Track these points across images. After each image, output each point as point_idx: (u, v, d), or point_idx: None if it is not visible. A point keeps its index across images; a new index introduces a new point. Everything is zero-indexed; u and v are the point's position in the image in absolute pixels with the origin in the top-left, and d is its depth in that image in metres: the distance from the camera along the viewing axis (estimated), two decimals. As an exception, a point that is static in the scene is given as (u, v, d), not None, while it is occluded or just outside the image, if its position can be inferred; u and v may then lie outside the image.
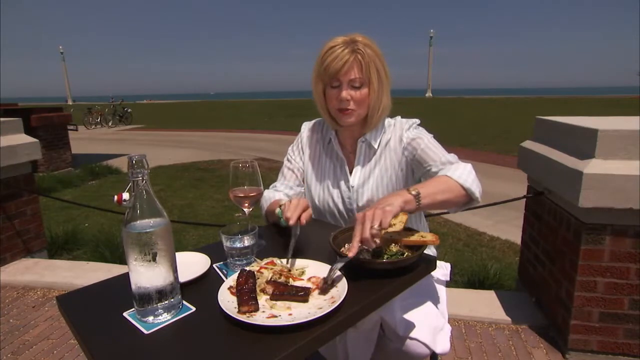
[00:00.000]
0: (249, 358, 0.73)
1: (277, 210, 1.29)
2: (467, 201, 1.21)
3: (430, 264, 1.07)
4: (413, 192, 1.07)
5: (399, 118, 1.48)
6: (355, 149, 1.45)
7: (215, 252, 1.13)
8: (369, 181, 1.41)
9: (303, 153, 1.54)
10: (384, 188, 1.39)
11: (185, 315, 0.86)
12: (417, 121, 1.45)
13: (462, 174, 1.18)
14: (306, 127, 1.57)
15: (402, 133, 1.41)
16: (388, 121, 1.47)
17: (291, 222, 1.13)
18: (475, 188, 1.17)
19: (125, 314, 0.87)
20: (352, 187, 1.41)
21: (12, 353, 2.09)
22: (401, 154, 1.40)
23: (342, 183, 1.43)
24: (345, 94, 1.28)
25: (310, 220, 1.22)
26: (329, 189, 1.45)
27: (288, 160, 1.56)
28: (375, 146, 1.41)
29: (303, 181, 1.54)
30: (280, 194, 1.48)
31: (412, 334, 1.21)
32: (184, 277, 0.97)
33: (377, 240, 0.96)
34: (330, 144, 1.47)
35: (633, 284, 1.81)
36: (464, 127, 14.21)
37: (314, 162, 1.51)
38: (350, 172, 1.44)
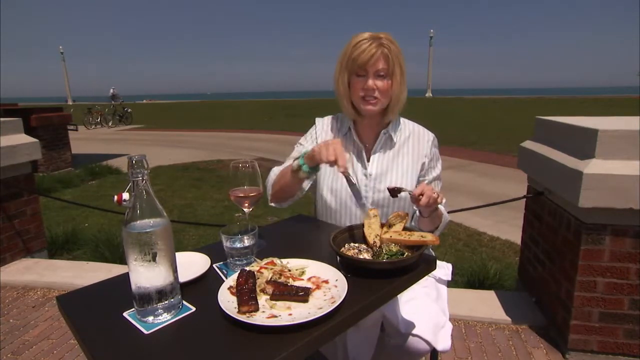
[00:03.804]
0: (249, 358, 0.73)
1: (296, 162, 1.29)
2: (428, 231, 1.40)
3: (430, 264, 1.07)
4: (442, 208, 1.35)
5: (416, 124, 1.55)
6: (371, 139, 1.51)
7: (215, 252, 1.13)
8: (389, 174, 1.46)
9: (319, 140, 1.53)
10: (404, 184, 1.44)
11: (185, 315, 0.86)
12: (435, 136, 1.53)
13: (445, 223, 1.43)
14: (321, 120, 1.59)
15: (425, 143, 1.49)
16: (403, 120, 1.54)
17: (343, 168, 1.15)
18: (438, 234, 1.39)
19: (125, 314, 0.87)
20: (370, 175, 1.46)
21: (12, 353, 2.10)
22: (421, 162, 1.48)
23: (360, 170, 1.47)
24: (371, 82, 1.36)
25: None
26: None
27: (299, 145, 1.58)
28: (395, 139, 1.48)
29: None
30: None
31: (414, 331, 1.22)
32: (184, 277, 0.97)
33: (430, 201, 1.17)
34: (348, 134, 1.52)
35: (633, 284, 1.81)
36: (464, 127, 14.20)
37: None
38: (367, 161, 1.49)
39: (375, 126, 1.50)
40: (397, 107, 1.44)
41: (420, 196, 1.17)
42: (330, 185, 1.47)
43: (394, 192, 1.23)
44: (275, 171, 1.50)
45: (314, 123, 1.58)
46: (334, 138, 1.53)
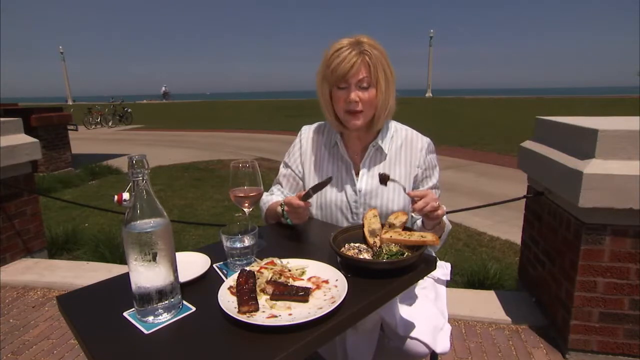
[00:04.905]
0: (249, 358, 0.73)
1: (279, 208, 1.32)
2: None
3: (430, 264, 1.07)
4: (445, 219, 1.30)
5: (410, 129, 1.47)
6: (360, 151, 1.44)
7: (215, 252, 1.13)
8: (380, 189, 1.38)
9: (303, 158, 1.49)
10: (397, 201, 1.38)
11: (185, 315, 0.87)
12: (430, 141, 1.45)
13: (447, 232, 1.38)
14: (307, 130, 1.53)
15: (419, 151, 1.41)
16: (395, 125, 1.46)
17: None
18: (441, 243, 1.31)
19: (125, 314, 0.87)
20: (360, 191, 1.40)
21: (12, 353, 2.10)
22: (414, 174, 1.41)
23: (348, 187, 1.41)
24: (354, 95, 1.28)
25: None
26: (334, 191, 1.42)
27: (284, 166, 1.53)
28: (386, 151, 1.41)
29: (300, 185, 1.51)
30: (277, 197, 1.48)
31: (413, 334, 1.21)
32: (184, 277, 0.97)
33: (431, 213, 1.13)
34: (336, 146, 1.45)
35: (633, 284, 1.81)
36: (464, 127, 14.20)
37: (317, 165, 1.47)
38: (356, 176, 1.42)
39: (363, 137, 1.42)
40: (383, 116, 1.36)
41: (418, 199, 1.11)
42: (321, 196, 1.43)
43: (384, 179, 1.18)
44: (265, 200, 1.47)
45: (310, 125, 1.54)
46: (319, 152, 1.48)
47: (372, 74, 1.27)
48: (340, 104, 1.32)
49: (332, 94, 1.34)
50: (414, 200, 1.13)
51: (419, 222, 1.33)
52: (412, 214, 1.42)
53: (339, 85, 1.29)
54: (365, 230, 1.16)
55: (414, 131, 1.47)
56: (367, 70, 1.27)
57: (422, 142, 1.43)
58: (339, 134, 1.45)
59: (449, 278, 1.51)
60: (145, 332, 0.81)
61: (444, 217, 1.32)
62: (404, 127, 1.47)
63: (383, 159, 1.42)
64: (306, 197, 1.20)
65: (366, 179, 1.40)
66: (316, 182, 1.44)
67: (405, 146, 1.42)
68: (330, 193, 1.42)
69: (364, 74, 1.26)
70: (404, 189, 1.19)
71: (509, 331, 2.19)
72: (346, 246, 1.10)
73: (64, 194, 5.78)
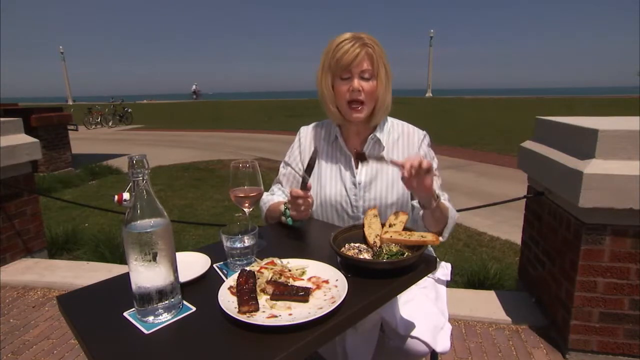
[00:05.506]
0: (249, 358, 0.73)
1: (282, 206, 1.33)
2: (437, 231, 1.29)
3: (430, 264, 1.07)
4: (438, 193, 1.23)
5: (406, 123, 1.51)
6: (359, 145, 1.47)
7: (215, 252, 1.13)
8: (377, 181, 1.41)
9: (303, 155, 1.52)
10: (396, 190, 1.40)
11: (186, 315, 0.87)
12: (426, 134, 1.49)
13: (453, 220, 1.30)
14: (306, 129, 1.56)
15: (416, 142, 1.44)
16: (391, 120, 1.50)
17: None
18: (448, 233, 1.30)
19: (125, 314, 0.87)
20: (359, 183, 1.42)
21: (12, 353, 2.10)
22: None
23: (348, 179, 1.44)
24: (357, 83, 1.32)
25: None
26: (334, 185, 1.45)
27: (284, 166, 1.55)
28: (383, 143, 1.44)
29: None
30: (278, 197, 1.50)
31: (413, 333, 1.21)
32: (184, 277, 0.97)
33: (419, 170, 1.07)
34: (335, 140, 1.48)
35: (633, 284, 1.81)
36: (464, 127, 14.20)
37: (318, 160, 1.49)
38: (356, 168, 1.45)
39: (362, 131, 1.46)
40: (382, 111, 1.40)
41: (402, 167, 1.08)
42: (322, 189, 1.45)
43: (360, 157, 1.21)
44: (265, 200, 1.49)
45: (308, 125, 1.56)
46: (320, 147, 1.49)
47: (374, 66, 1.33)
48: (342, 95, 1.35)
49: (335, 86, 1.37)
50: (402, 172, 1.09)
51: (420, 212, 1.31)
52: (414, 203, 1.42)
53: (342, 75, 1.34)
54: (366, 230, 1.16)
55: (410, 125, 1.51)
56: (370, 62, 1.32)
57: (418, 134, 1.48)
58: (338, 128, 1.48)
59: (449, 278, 1.51)
60: (145, 332, 0.81)
61: (447, 202, 1.30)
62: (401, 122, 1.51)
63: (381, 151, 1.45)
64: (303, 184, 1.22)
65: (365, 171, 1.43)
66: (316, 177, 1.46)
67: (402, 138, 1.46)
68: (330, 186, 1.45)
69: (366, 65, 1.32)
70: (385, 160, 1.19)
71: (509, 331, 2.19)
72: (346, 246, 1.10)
73: (64, 194, 5.78)
